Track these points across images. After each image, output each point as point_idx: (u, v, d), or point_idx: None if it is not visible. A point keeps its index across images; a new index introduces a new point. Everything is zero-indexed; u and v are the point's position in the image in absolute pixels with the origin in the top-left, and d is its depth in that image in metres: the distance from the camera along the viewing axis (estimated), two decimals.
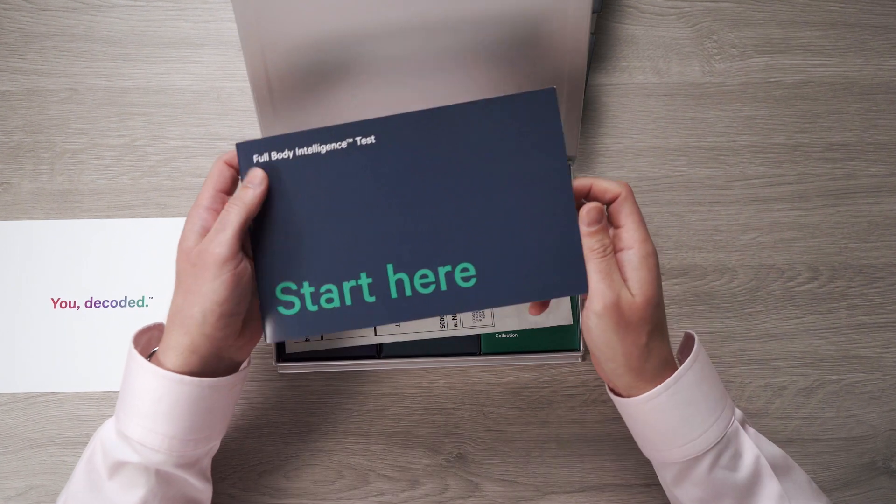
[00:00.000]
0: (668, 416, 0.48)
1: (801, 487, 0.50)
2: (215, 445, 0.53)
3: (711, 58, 0.70)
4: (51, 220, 0.66)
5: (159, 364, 0.48)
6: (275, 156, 0.50)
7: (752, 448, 0.49)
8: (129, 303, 0.65)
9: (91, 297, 0.65)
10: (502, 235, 0.49)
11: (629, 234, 0.48)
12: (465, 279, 0.49)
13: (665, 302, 0.65)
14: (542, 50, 0.56)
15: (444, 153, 0.50)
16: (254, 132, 0.67)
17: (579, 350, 0.63)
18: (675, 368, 0.48)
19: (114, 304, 0.65)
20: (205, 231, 0.48)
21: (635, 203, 0.49)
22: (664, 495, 0.62)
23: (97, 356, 0.64)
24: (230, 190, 0.50)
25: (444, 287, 0.49)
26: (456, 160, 0.50)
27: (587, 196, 0.50)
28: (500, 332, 0.63)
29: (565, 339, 0.63)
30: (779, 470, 0.49)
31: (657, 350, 0.48)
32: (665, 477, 0.52)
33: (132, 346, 0.49)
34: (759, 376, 0.65)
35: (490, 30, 0.55)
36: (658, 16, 0.70)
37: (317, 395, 0.64)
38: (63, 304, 0.64)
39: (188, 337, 0.47)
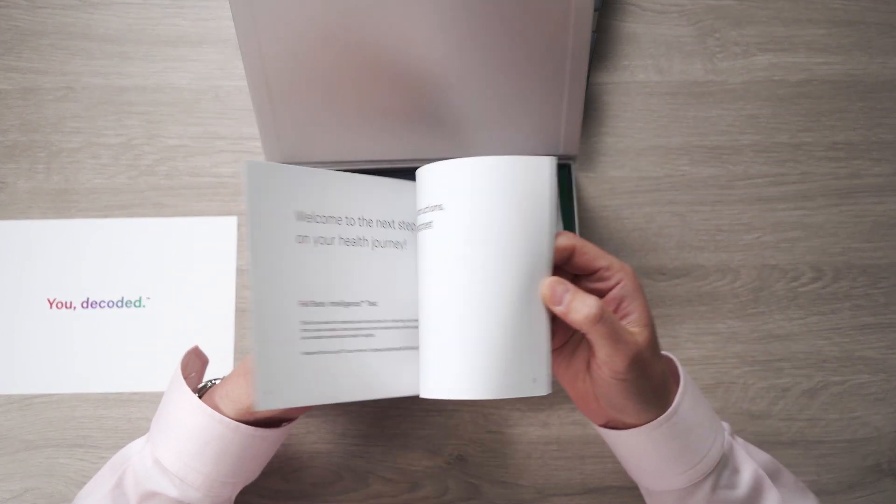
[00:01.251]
0: (671, 445, 0.45)
1: (791, 490, 0.49)
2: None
3: (714, 56, 0.69)
4: (47, 219, 0.65)
5: (214, 406, 0.46)
6: None
7: (748, 461, 0.48)
8: (126, 303, 0.64)
9: (87, 298, 0.64)
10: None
11: (610, 271, 0.44)
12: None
13: (667, 303, 0.65)
14: (544, 49, 0.56)
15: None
16: (252, 131, 0.67)
17: None
18: (672, 388, 0.46)
19: (110, 304, 0.64)
20: None
21: (588, 242, 0.45)
22: None
23: (94, 357, 0.63)
24: None
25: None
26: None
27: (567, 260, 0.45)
28: None
29: None
30: (772, 476, 0.48)
31: (666, 372, 0.46)
32: None
33: (182, 378, 0.48)
34: (763, 378, 0.64)
35: (490, 29, 0.54)
36: (660, 13, 0.70)
37: None
38: (59, 305, 0.64)
39: (251, 400, 0.46)
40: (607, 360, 0.42)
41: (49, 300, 0.64)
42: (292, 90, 0.57)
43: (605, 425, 0.49)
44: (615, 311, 0.44)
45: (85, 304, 0.64)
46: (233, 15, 0.52)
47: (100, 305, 0.64)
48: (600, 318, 0.41)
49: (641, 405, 0.44)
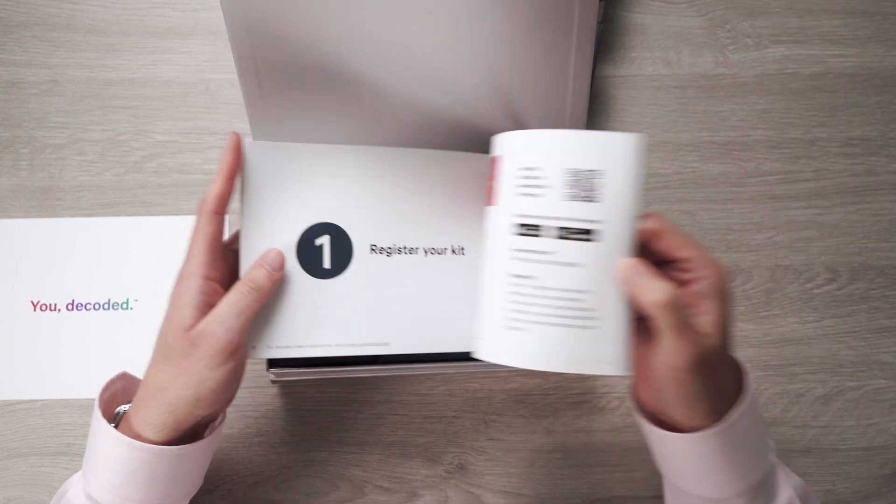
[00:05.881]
0: (714, 458, 0.44)
1: None
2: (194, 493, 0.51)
3: (725, 48, 0.68)
4: (30, 218, 0.64)
5: (134, 434, 0.45)
6: None
7: (787, 488, 0.46)
8: (113, 305, 0.62)
9: (73, 300, 0.62)
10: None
11: (696, 263, 0.42)
12: None
13: None
14: (547, 40, 0.54)
15: None
16: (244, 126, 0.64)
17: None
18: (730, 399, 0.44)
19: (96, 306, 0.62)
20: (206, 307, 0.44)
21: (678, 229, 0.43)
22: None
23: (79, 361, 0.61)
24: (221, 247, 0.46)
25: None
26: None
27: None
28: None
29: None
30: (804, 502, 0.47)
31: (729, 382, 0.44)
32: None
33: (99, 411, 0.46)
34: (776, 383, 0.63)
35: (492, 19, 0.52)
36: (669, 4, 0.68)
37: (310, 403, 0.62)
38: (43, 307, 0.62)
39: (173, 416, 0.44)
40: (669, 353, 0.40)
41: (33, 302, 0.62)
42: (284, 84, 0.55)
43: (651, 416, 0.47)
44: (691, 309, 0.42)
45: (70, 307, 0.62)
46: (222, 5, 0.50)
47: (85, 308, 0.62)
48: (669, 306, 0.39)
49: (690, 408, 0.42)
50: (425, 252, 0.50)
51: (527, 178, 0.43)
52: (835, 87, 0.68)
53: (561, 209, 0.42)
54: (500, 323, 0.44)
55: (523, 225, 0.43)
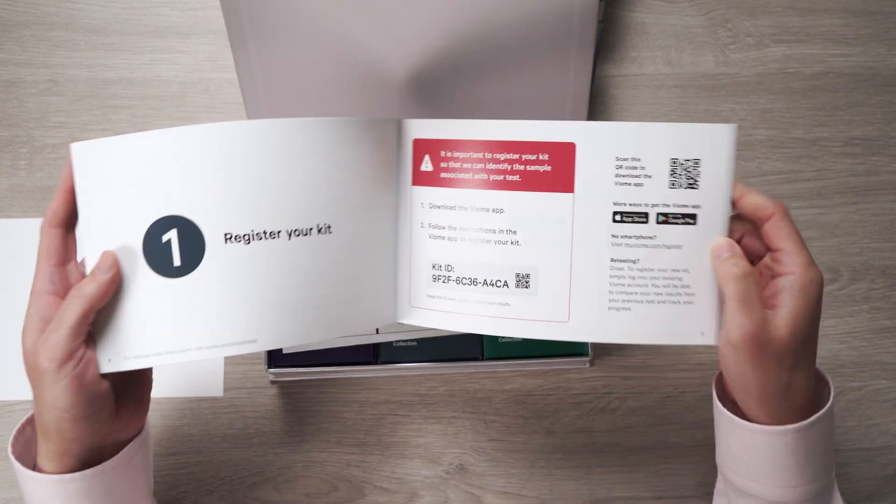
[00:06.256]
0: (783, 457, 0.44)
1: None
2: None
3: (726, 47, 0.67)
4: (29, 218, 0.63)
5: (38, 467, 0.44)
6: None
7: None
8: None
9: None
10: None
11: (790, 258, 0.43)
12: None
13: None
14: (548, 39, 0.54)
15: None
16: None
17: (587, 355, 0.61)
18: (808, 409, 0.44)
19: None
20: (46, 323, 0.42)
21: (793, 223, 0.44)
22: None
23: None
24: (70, 257, 0.44)
25: None
26: None
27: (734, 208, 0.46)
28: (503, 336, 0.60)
29: (572, 343, 0.60)
30: None
31: (798, 390, 0.44)
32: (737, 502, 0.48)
33: (9, 448, 0.45)
34: None
35: (492, 19, 0.52)
36: (670, 3, 0.68)
37: (310, 403, 0.61)
38: None
39: (52, 443, 0.43)
40: (727, 325, 0.42)
41: None
42: (283, 83, 0.55)
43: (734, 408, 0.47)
44: (768, 298, 0.43)
45: None
46: (221, 4, 0.50)
47: None
48: (738, 278, 0.42)
49: (745, 394, 0.43)
50: (288, 235, 0.44)
51: (625, 167, 0.45)
52: (836, 86, 0.67)
53: (664, 196, 0.45)
54: (599, 304, 0.46)
55: (625, 213, 0.45)
